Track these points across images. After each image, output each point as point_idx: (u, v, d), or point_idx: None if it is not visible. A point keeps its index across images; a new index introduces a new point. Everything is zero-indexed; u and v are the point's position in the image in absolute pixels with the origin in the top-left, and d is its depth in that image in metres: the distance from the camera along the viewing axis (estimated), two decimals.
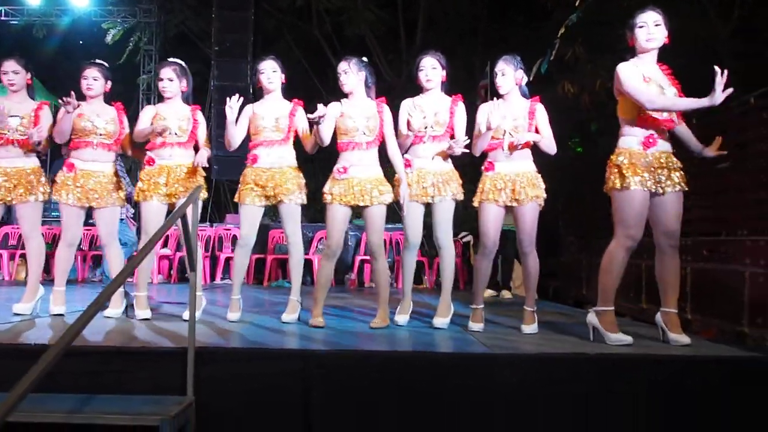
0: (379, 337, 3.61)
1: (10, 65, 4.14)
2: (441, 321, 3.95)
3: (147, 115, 4.18)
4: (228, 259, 8.40)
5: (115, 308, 4.12)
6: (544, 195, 3.82)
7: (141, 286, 4.17)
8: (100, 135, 4.15)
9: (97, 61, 4.27)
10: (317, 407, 2.84)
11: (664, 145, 3.40)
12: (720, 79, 3.15)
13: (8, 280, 7.98)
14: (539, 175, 3.84)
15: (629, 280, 6.97)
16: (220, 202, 11.91)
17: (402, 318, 4.05)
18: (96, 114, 4.16)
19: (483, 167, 3.87)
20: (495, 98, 3.80)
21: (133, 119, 4.35)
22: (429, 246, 9.55)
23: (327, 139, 3.98)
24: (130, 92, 11.74)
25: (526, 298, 3.90)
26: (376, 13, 11.97)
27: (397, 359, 3.09)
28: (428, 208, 4.01)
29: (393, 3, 12.43)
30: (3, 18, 12.30)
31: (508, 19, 12.07)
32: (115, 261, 4.28)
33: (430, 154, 3.94)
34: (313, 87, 11.92)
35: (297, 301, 4.15)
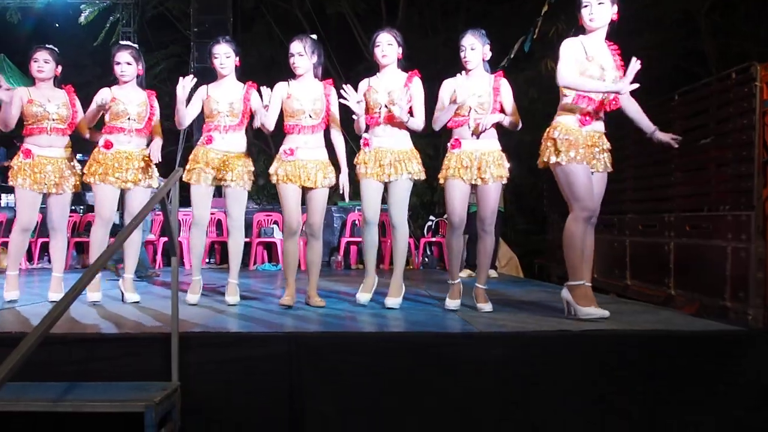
0: (365, 318, 3.61)
1: None
2: (393, 301, 3.92)
3: (103, 97, 4.08)
4: (213, 243, 8.37)
5: (95, 291, 4.09)
6: (508, 174, 3.84)
7: (128, 268, 4.20)
8: (53, 120, 4.10)
9: (47, 45, 4.20)
10: (304, 390, 2.84)
11: (598, 125, 3.44)
12: (633, 67, 3.21)
13: None
14: (504, 155, 3.85)
15: (613, 257, 7.02)
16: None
17: (364, 296, 4.01)
18: (47, 99, 4.11)
19: (449, 144, 3.84)
20: (459, 74, 3.79)
21: None
22: (415, 226, 9.60)
23: (271, 125, 3.97)
24: (108, 74, 11.54)
25: (479, 277, 3.90)
26: None
27: (385, 340, 3.10)
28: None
29: None
30: None
31: None
32: (60, 248, 4.28)
33: (388, 133, 3.90)
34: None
35: (235, 284, 4.12)
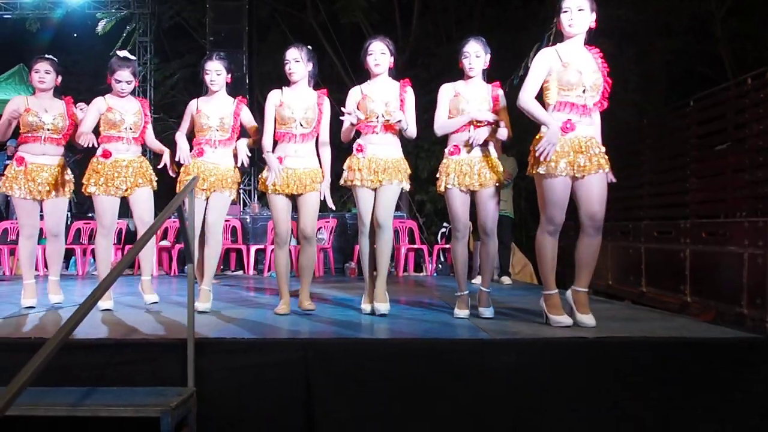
0: (378, 324, 3.62)
1: None
2: (384, 307, 3.85)
3: (98, 108, 4.14)
4: (228, 251, 8.42)
5: (107, 300, 4.12)
6: (502, 177, 3.87)
7: (145, 270, 4.26)
8: (48, 130, 4.17)
9: (48, 55, 4.27)
10: (318, 396, 2.85)
11: (585, 130, 3.37)
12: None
13: (9, 275, 7.99)
14: (498, 161, 3.87)
15: (628, 264, 6.98)
16: None
17: (368, 307, 3.98)
18: (44, 109, 4.18)
19: (448, 150, 3.85)
20: (464, 79, 3.85)
21: None
22: (429, 233, 9.61)
23: (268, 144, 4.00)
24: None
25: (483, 280, 3.91)
26: (370, 1, 11.91)
27: (398, 347, 3.10)
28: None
29: None
30: None
31: (504, 2, 12.02)
32: (57, 255, 4.36)
33: (384, 141, 3.91)
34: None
35: (208, 290, 4.11)
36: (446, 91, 3.88)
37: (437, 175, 3.89)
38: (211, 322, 3.60)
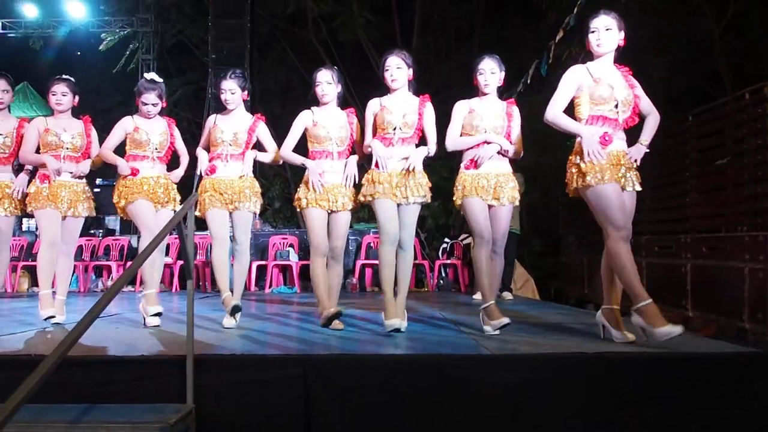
0: (379, 340, 3.61)
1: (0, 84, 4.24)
2: (403, 324, 3.81)
3: (125, 127, 4.23)
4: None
5: (59, 314, 4.18)
6: (518, 196, 3.89)
7: (149, 283, 4.22)
8: (67, 149, 4.25)
9: (65, 76, 4.33)
10: (318, 413, 2.84)
11: (620, 144, 3.38)
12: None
13: (10, 292, 8.00)
14: (514, 177, 3.90)
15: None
16: None
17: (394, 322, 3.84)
18: (63, 128, 4.25)
19: (464, 165, 3.86)
20: (479, 95, 3.87)
21: None
22: (430, 248, 9.61)
23: (289, 156, 4.05)
24: (128, 101, 11.80)
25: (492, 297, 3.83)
26: (369, 19, 12.01)
27: (398, 363, 3.10)
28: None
29: (388, 6, 12.48)
30: (1, 31, 12.37)
31: (504, 19, 12.12)
32: (66, 273, 4.39)
33: (401, 154, 3.85)
34: (310, 90, 11.99)
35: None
36: (461, 108, 3.90)
37: (453, 190, 3.88)
38: (211, 338, 3.59)
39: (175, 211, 4.27)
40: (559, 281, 9.55)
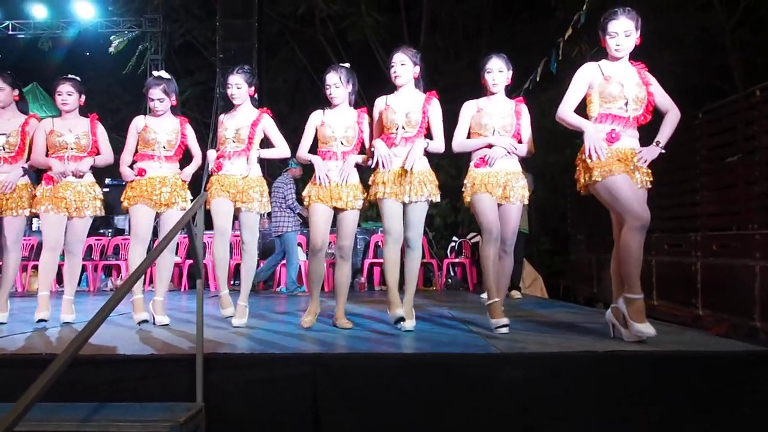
0: (387, 339, 3.61)
1: None
2: (410, 323, 3.83)
3: (136, 126, 4.25)
4: (237, 266, 8.43)
5: (67, 313, 4.23)
6: (528, 194, 3.87)
7: (159, 290, 4.28)
8: (71, 149, 4.25)
9: (70, 76, 4.35)
10: (326, 411, 2.84)
11: (629, 142, 3.35)
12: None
13: (21, 292, 8.05)
14: (523, 176, 3.88)
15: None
16: None
17: (405, 319, 3.88)
18: (68, 129, 4.26)
19: (473, 163, 3.85)
20: (486, 95, 3.86)
21: None
22: (438, 247, 9.60)
23: (304, 156, 4.06)
24: (138, 101, 11.87)
25: (499, 296, 3.81)
26: (377, 19, 12.00)
27: (406, 361, 3.09)
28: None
29: (396, 5, 12.46)
30: (10, 32, 12.45)
31: (512, 17, 12.08)
32: (73, 272, 4.39)
33: (403, 154, 3.83)
34: (318, 89, 12.02)
35: (245, 306, 4.16)
36: (468, 109, 3.89)
37: (462, 188, 3.88)
38: (220, 337, 3.60)
39: (183, 211, 4.28)
40: (567, 280, 9.51)
